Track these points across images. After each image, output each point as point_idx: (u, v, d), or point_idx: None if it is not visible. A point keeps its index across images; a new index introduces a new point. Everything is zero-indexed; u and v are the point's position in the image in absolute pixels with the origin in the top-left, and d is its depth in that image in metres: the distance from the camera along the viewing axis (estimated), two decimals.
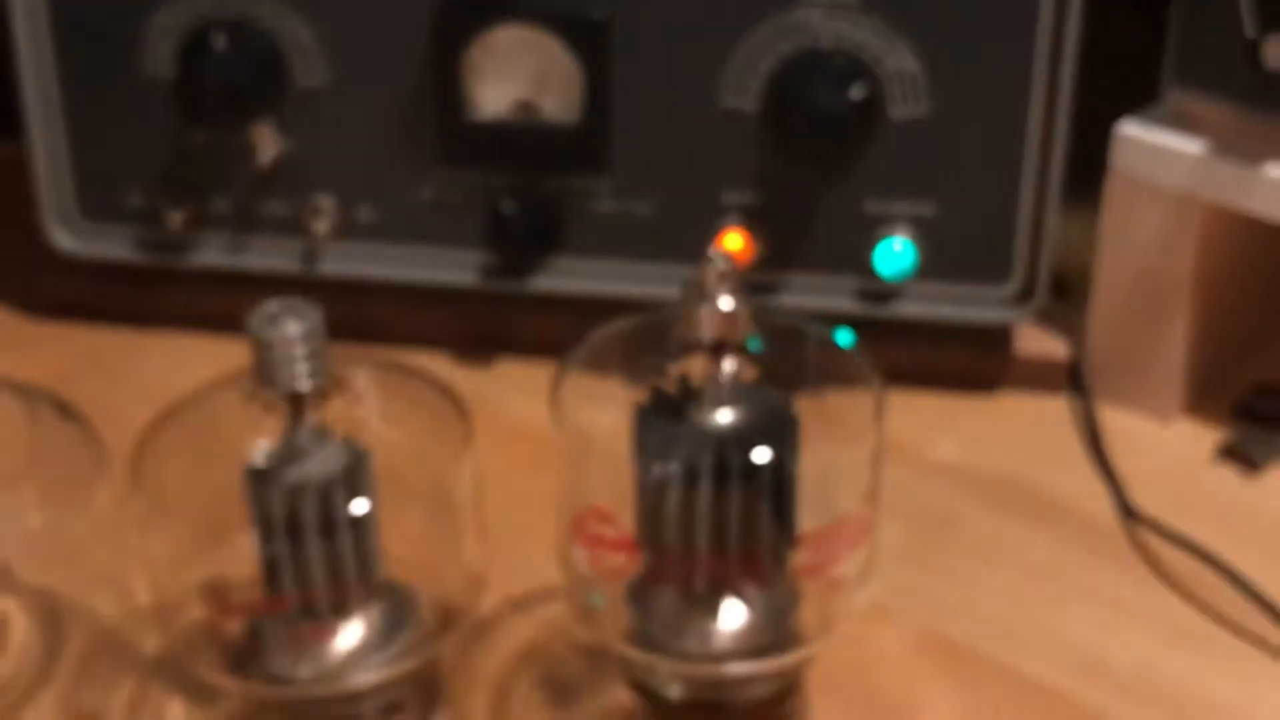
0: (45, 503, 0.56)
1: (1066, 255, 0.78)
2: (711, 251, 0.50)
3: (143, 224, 0.75)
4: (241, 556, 0.54)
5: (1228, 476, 0.69)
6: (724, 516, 0.51)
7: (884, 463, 0.67)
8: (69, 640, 0.60)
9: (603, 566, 0.53)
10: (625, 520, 0.52)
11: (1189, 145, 0.66)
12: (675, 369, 0.52)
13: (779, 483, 0.51)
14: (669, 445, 0.51)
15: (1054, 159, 0.68)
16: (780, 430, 0.51)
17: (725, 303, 0.50)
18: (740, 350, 0.51)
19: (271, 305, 0.51)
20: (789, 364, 0.53)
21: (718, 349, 0.51)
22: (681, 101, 0.69)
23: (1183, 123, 0.67)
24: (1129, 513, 0.66)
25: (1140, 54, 0.70)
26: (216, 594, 0.54)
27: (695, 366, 0.52)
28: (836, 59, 0.67)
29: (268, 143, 0.72)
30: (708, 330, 0.50)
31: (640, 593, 0.54)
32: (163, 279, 0.77)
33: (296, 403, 0.52)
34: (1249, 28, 0.63)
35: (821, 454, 0.52)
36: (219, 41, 0.70)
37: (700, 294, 0.50)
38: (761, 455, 0.50)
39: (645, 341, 0.53)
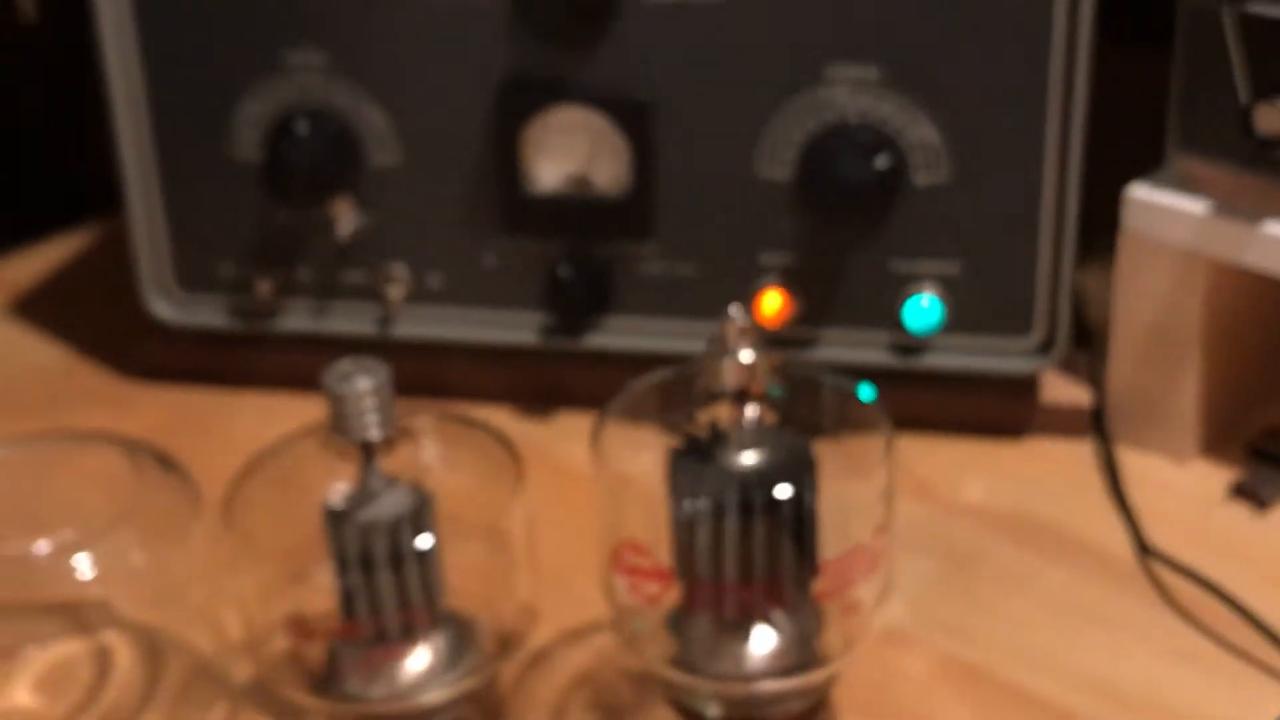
0: (146, 543, 0.62)
1: (1089, 308, 0.83)
2: (732, 309, 0.56)
3: (233, 293, 0.82)
4: (320, 591, 0.60)
5: (1239, 514, 0.73)
6: (749, 548, 0.56)
7: (913, 502, 0.73)
8: (168, 670, 0.66)
9: (641, 594, 0.58)
10: (659, 553, 0.57)
11: (1192, 205, 0.71)
12: (703, 416, 0.58)
13: (799, 516, 0.56)
14: (698, 484, 0.56)
15: (1067, 220, 0.73)
16: (799, 469, 0.57)
17: (745, 355, 0.56)
18: (762, 397, 0.57)
19: (344, 364, 0.58)
20: (810, 410, 0.59)
21: (740, 397, 0.56)
22: (720, 172, 0.75)
23: (1186, 184, 0.72)
24: (1143, 547, 0.70)
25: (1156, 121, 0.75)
26: (299, 623, 0.60)
27: (721, 413, 0.57)
28: (862, 131, 0.72)
29: (346, 217, 0.79)
30: (730, 380, 0.56)
31: (678, 620, 0.59)
32: (251, 343, 0.84)
33: (368, 450, 0.58)
34: (1242, 95, 0.68)
35: (839, 490, 0.57)
36: (302, 127, 0.77)
37: (723, 348, 0.56)
38: (782, 492, 0.56)
39: (676, 391, 0.59)
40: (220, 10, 0.76)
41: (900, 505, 0.72)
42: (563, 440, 0.78)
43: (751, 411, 0.56)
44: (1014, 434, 0.78)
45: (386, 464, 0.59)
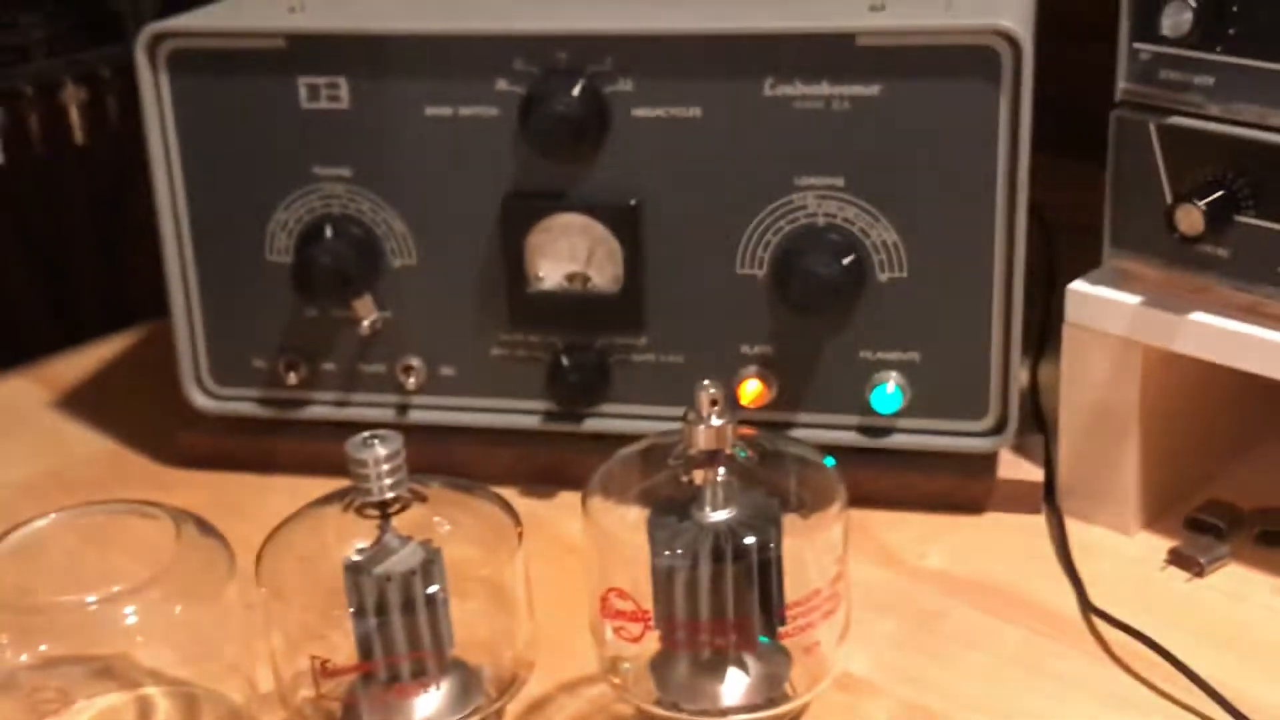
0: (185, 598, 0.69)
1: (1046, 394, 0.91)
2: (705, 381, 0.63)
3: (264, 385, 0.90)
4: (339, 645, 0.67)
5: (1177, 578, 0.80)
6: (720, 592, 0.63)
7: (879, 567, 0.80)
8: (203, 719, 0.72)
9: (626, 636, 0.65)
10: (642, 598, 0.64)
11: (1126, 298, 0.79)
12: (680, 476, 0.65)
13: (764, 564, 0.64)
14: (675, 537, 0.64)
15: (1014, 313, 0.81)
16: (765, 523, 0.64)
17: (715, 421, 0.63)
18: (730, 460, 0.64)
19: (364, 433, 0.66)
20: (775, 472, 0.66)
21: (712, 458, 0.64)
22: (704, 271, 0.83)
23: (1121, 280, 0.80)
24: (1088, 606, 0.77)
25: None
26: (323, 665, 0.66)
27: (696, 475, 0.65)
28: (829, 233, 0.81)
29: (368, 313, 0.87)
30: (703, 443, 0.64)
31: (660, 664, 0.67)
32: (280, 430, 0.91)
33: (383, 509, 0.66)
34: (1166, 197, 0.76)
35: (800, 543, 0.65)
36: (328, 232, 0.85)
37: (697, 416, 0.64)
38: (748, 542, 0.63)
39: (656, 456, 0.66)
40: (256, 132, 0.85)
41: (866, 570, 0.80)
42: (561, 515, 0.86)
43: (721, 472, 0.64)
44: (973, 509, 0.85)
45: (400, 523, 0.67)
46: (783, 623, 0.65)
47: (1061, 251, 1.06)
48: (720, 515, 0.64)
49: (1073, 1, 0.96)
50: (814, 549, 0.65)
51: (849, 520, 0.66)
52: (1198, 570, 0.79)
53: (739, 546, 0.63)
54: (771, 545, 0.64)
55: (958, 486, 0.85)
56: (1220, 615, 0.77)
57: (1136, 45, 0.75)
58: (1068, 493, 0.84)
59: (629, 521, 0.65)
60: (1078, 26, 0.96)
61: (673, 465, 0.65)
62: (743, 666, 0.66)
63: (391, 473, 0.65)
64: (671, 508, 0.65)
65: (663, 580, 0.64)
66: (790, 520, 0.65)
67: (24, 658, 0.68)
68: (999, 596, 0.79)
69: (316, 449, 0.90)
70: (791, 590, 0.64)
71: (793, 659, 0.66)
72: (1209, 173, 0.74)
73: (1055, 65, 0.85)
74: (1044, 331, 0.98)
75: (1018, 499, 0.85)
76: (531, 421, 0.88)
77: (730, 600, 0.64)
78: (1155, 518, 0.83)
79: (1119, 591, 0.78)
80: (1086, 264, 0.82)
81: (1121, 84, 0.76)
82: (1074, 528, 0.83)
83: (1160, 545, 0.82)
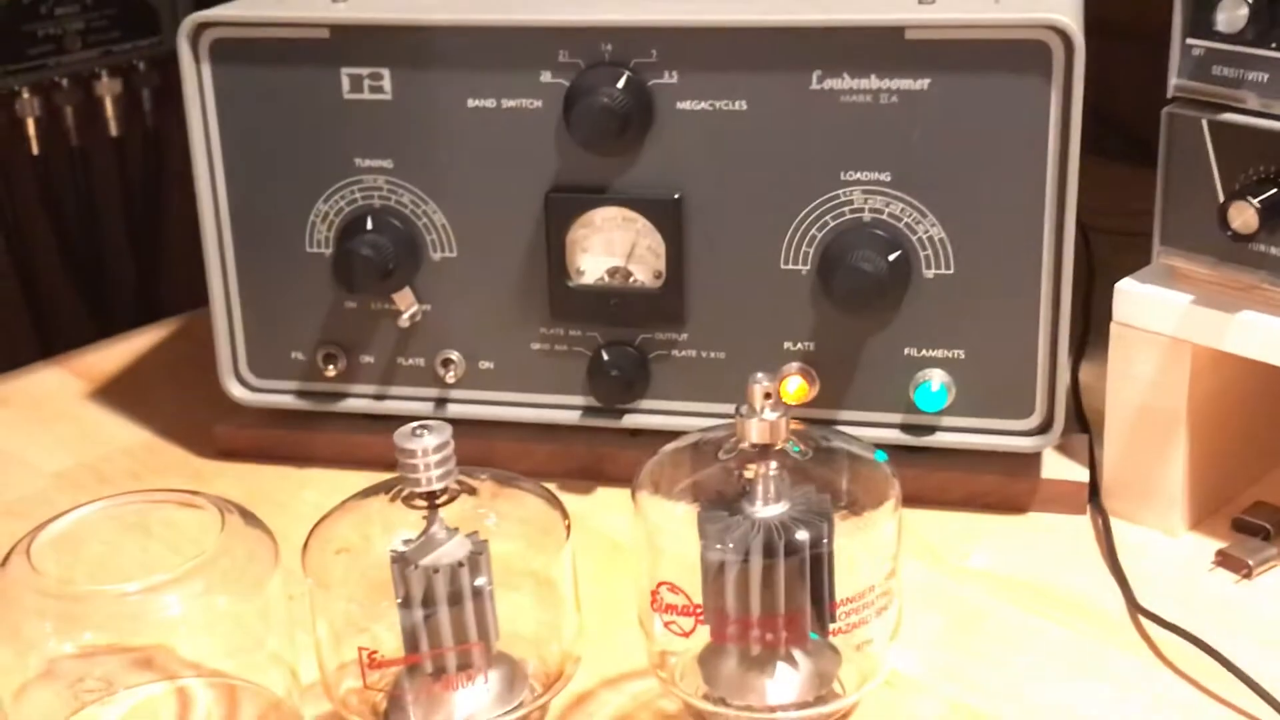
0: (228, 588, 0.68)
1: (1092, 395, 0.90)
2: (758, 375, 0.63)
3: (302, 377, 0.90)
4: (383, 637, 0.67)
5: (1225, 580, 0.79)
6: (772, 587, 0.63)
7: (924, 567, 0.79)
8: (243, 711, 0.72)
9: (676, 631, 0.65)
10: (692, 593, 0.64)
11: (1176, 297, 0.78)
12: (732, 470, 0.64)
13: (816, 560, 0.63)
14: (726, 532, 0.63)
15: (1062, 311, 0.80)
16: (817, 518, 0.63)
17: (769, 415, 0.63)
18: (783, 454, 0.64)
19: (413, 423, 0.65)
20: (827, 468, 0.66)
21: (763, 452, 0.63)
22: (747, 266, 0.82)
23: (1170, 278, 0.79)
24: (1136, 607, 0.76)
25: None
26: (369, 654, 0.66)
27: (748, 469, 0.64)
28: (876, 229, 0.80)
29: (407, 306, 0.86)
30: (755, 437, 0.63)
31: (708, 658, 0.66)
32: (318, 423, 0.91)
33: (431, 500, 0.65)
34: (1219, 195, 0.75)
35: (853, 540, 0.64)
36: (369, 224, 0.85)
37: (750, 410, 0.63)
38: (800, 538, 0.62)
39: (706, 450, 0.66)
40: (297, 123, 0.85)
41: (912, 570, 0.79)
42: (601, 510, 0.85)
43: (773, 466, 0.63)
44: (1017, 509, 0.85)
45: (447, 515, 0.66)
46: (834, 619, 0.64)
47: (1095, 251, 1.06)
48: (772, 510, 0.63)
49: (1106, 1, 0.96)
50: (866, 545, 0.64)
51: (902, 518, 0.65)
52: (1246, 572, 0.78)
53: (791, 542, 0.62)
54: (824, 541, 0.63)
55: (1001, 486, 0.85)
56: (1270, 617, 0.76)
57: (1190, 41, 0.75)
58: (1112, 493, 0.83)
59: (678, 516, 0.65)
60: (1110, 25, 0.96)
61: (723, 459, 0.65)
62: (792, 663, 0.65)
63: (440, 463, 0.65)
64: (721, 502, 0.64)
65: (713, 574, 0.63)
66: (842, 516, 0.64)
67: (67, 647, 0.67)
68: (1043, 597, 0.78)
69: (354, 442, 0.90)
70: (843, 587, 0.63)
71: (843, 656, 0.65)
72: (1262, 170, 0.74)
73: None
74: (1084, 330, 0.97)
75: (1062, 499, 0.84)
76: (571, 417, 0.87)
77: (781, 596, 0.63)
78: (1201, 519, 0.83)
79: (1166, 593, 0.78)
80: (1118, 265, 0.81)
81: (1174, 80, 0.76)
82: (1119, 528, 0.82)
83: (1207, 547, 0.81)
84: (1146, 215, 0.79)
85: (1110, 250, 1.05)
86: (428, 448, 0.64)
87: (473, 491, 0.67)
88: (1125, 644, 0.75)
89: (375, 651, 0.65)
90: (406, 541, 0.66)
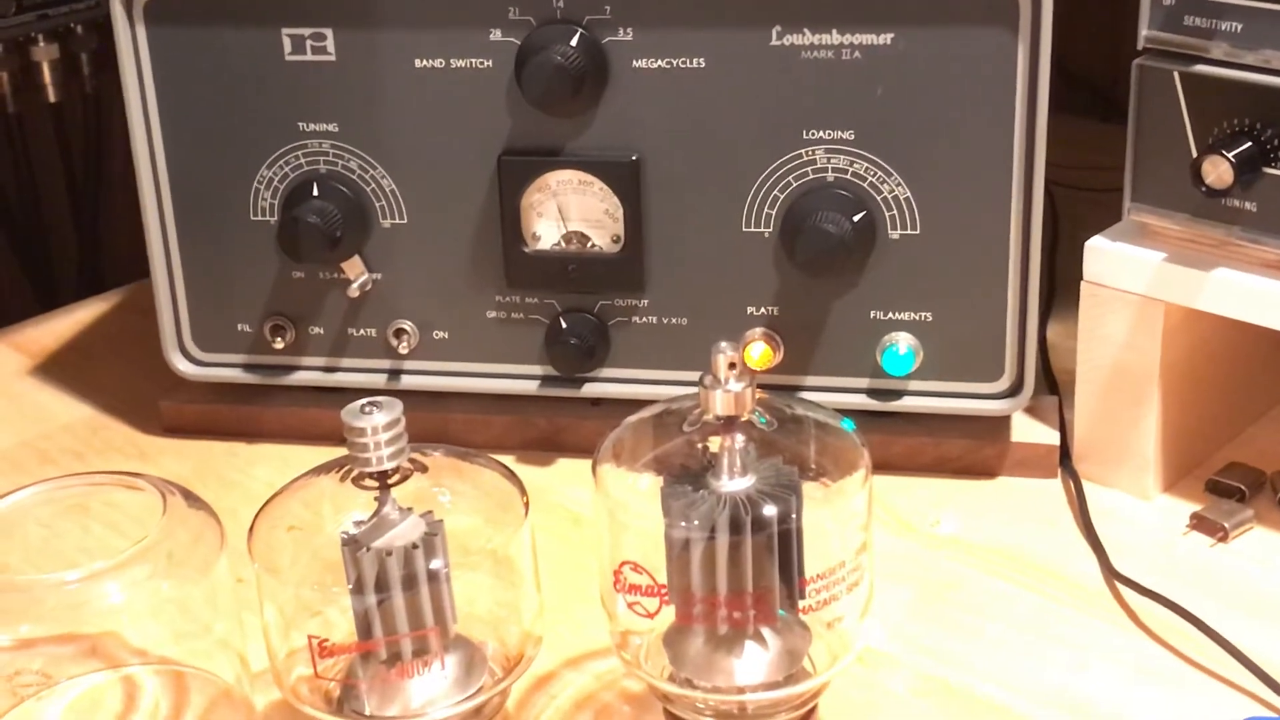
0: (172, 574, 0.66)
1: (1061, 356, 0.88)
2: (722, 344, 0.60)
3: (250, 349, 0.87)
4: (335, 621, 0.64)
5: (1200, 544, 0.77)
6: (739, 564, 0.60)
7: (893, 536, 0.77)
8: (191, 699, 0.69)
9: (640, 612, 0.62)
10: (656, 572, 0.62)
11: (1148, 255, 0.76)
12: (696, 443, 0.62)
13: (784, 535, 0.61)
14: (691, 507, 0.61)
15: (1032, 271, 0.78)
16: (785, 492, 0.61)
17: (734, 385, 0.60)
18: (749, 426, 0.61)
19: (362, 400, 0.62)
20: (794, 439, 0.63)
21: (729, 424, 0.61)
22: (708, 229, 0.80)
23: (1142, 236, 0.77)
24: (1112, 571, 0.75)
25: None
26: (319, 641, 0.63)
27: (712, 442, 0.62)
28: (839, 189, 0.78)
29: (357, 275, 0.84)
30: (720, 409, 0.61)
31: (674, 638, 0.64)
32: (267, 396, 0.88)
33: (382, 480, 0.63)
34: (1191, 149, 0.73)
35: (822, 514, 0.62)
36: (314, 190, 0.82)
37: (714, 380, 0.61)
38: (767, 513, 0.60)
39: (669, 422, 0.63)
40: (238, 86, 0.82)
41: (881, 539, 0.77)
42: (562, 483, 0.83)
43: (739, 438, 0.61)
44: (986, 474, 0.83)
45: (400, 494, 0.64)
46: (803, 596, 0.62)
47: (1059, 208, 1.04)
48: (738, 484, 0.61)
49: None
50: (836, 519, 0.62)
51: (873, 488, 0.63)
52: (1222, 535, 0.77)
53: (758, 517, 0.60)
54: (792, 516, 0.61)
55: (970, 450, 0.83)
56: (1248, 581, 0.74)
57: None
58: (1084, 456, 0.82)
59: (641, 490, 0.62)
60: None
61: (687, 432, 0.62)
62: (761, 642, 0.63)
63: (391, 441, 0.62)
64: (686, 476, 0.62)
65: (678, 552, 0.61)
66: (811, 489, 0.62)
67: (3, 639, 0.65)
68: (1015, 563, 0.77)
69: (305, 416, 0.87)
70: (813, 563, 0.61)
71: (813, 634, 0.63)
72: (1236, 123, 0.72)
73: None
74: (1050, 289, 0.95)
75: (1032, 463, 0.82)
76: (529, 386, 0.85)
77: (749, 573, 0.61)
78: (1175, 481, 0.81)
79: (1141, 557, 0.76)
80: (1083, 221, 0.79)
81: (1144, 31, 0.73)
82: (1091, 492, 0.81)
83: (1181, 509, 0.79)
84: (1109, 170, 0.77)
85: (1073, 206, 1.03)
86: (377, 426, 0.61)
87: (425, 469, 0.65)
88: (1101, 611, 0.73)
89: (326, 639, 0.63)
90: (358, 523, 0.63)
